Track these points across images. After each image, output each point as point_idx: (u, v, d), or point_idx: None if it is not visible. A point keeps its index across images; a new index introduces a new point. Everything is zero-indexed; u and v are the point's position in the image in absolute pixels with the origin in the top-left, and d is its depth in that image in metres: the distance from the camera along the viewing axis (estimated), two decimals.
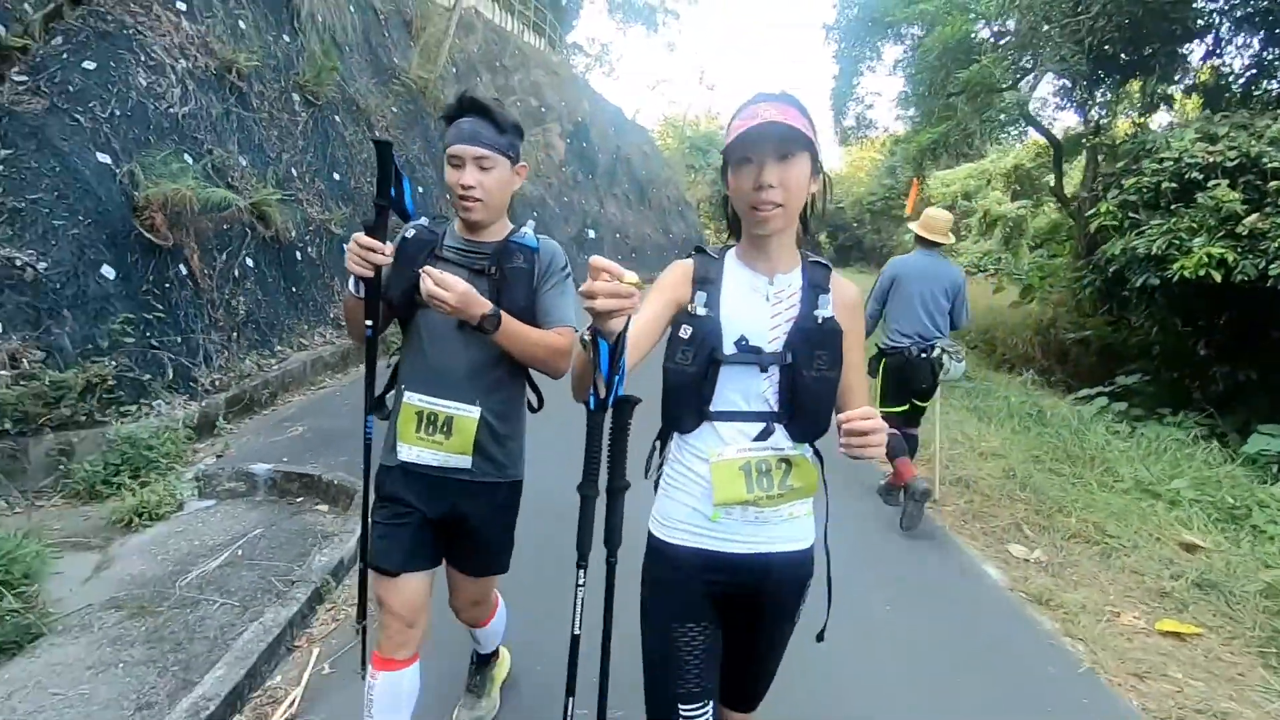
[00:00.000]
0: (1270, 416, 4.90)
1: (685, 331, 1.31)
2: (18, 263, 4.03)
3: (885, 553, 3.70)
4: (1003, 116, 10.29)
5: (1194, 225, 5.21)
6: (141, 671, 2.37)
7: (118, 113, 5.44)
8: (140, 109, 5.66)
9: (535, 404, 1.87)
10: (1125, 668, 2.77)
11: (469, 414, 1.69)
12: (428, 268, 1.55)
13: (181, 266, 5.31)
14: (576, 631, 1.32)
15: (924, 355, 4.02)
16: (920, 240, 4.23)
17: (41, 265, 4.19)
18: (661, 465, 1.46)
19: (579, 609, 1.32)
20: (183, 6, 6.82)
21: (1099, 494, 4.27)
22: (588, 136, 21.54)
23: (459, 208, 1.67)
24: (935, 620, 3.02)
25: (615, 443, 1.24)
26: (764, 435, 1.33)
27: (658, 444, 1.47)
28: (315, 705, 2.26)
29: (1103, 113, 9.56)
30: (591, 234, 19.58)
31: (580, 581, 1.32)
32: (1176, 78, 8.50)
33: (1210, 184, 5.28)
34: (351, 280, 1.70)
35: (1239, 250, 4.86)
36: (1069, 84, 9.26)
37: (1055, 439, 5.16)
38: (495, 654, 2.26)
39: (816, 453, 1.40)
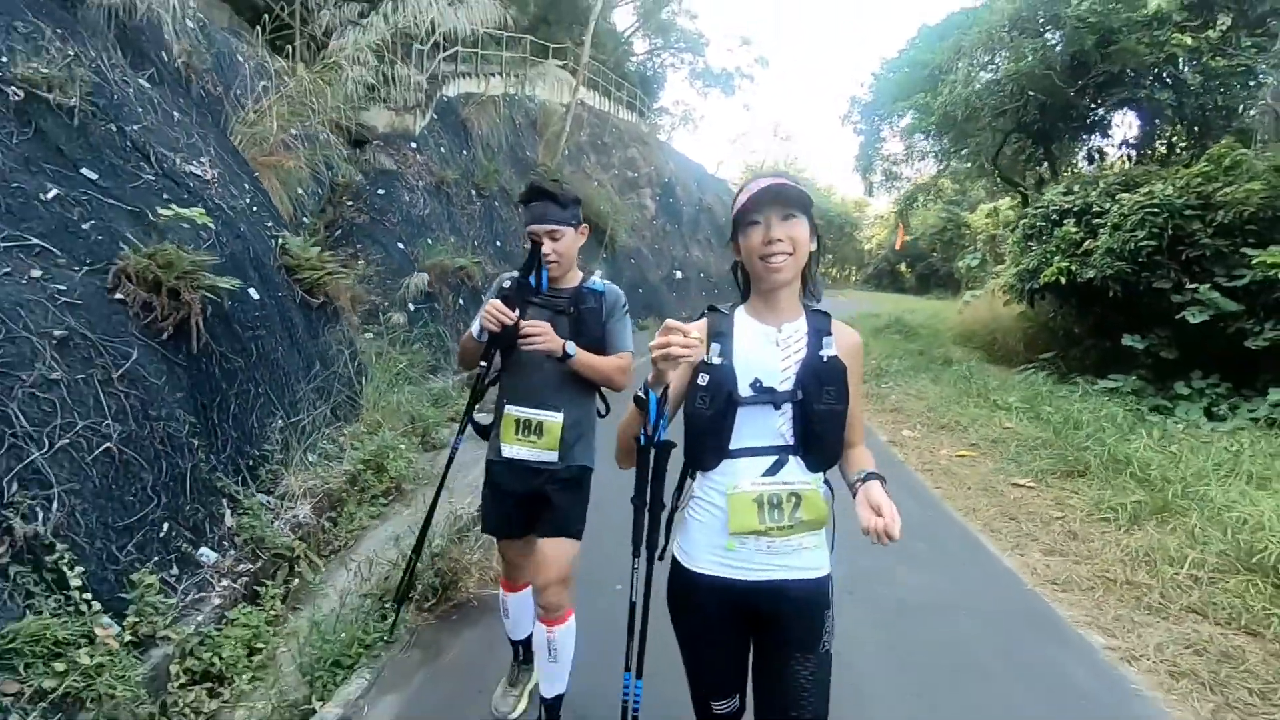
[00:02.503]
0: (1104, 370, 7.66)
1: (703, 379, 1.48)
2: (383, 306, 7.94)
3: None
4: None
5: (1052, 250, 8.03)
6: None
7: (398, 218, 9.49)
8: (407, 213, 9.72)
9: (603, 411, 2.33)
10: (944, 478, 5.61)
11: (554, 419, 2.19)
12: (524, 322, 2.10)
13: (437, 304, 9.22)
14: (634, 599, 1.60)
15: None
16: None
17: (387, 305, 8.11)
18: (685, 501, 1.63)
19: (636, 584, 1.58)
20: (414, 145, 11.00)
21: (970, 410, 7.19)
22: (674, 193, 25.35)
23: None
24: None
25: (657, 472, 1.51)
26: (776, 468, 1.49)
27: (681, 482, 1.64)
28: None
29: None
30: (679, 274, 23.14)
31: (635, 565, 1.59)
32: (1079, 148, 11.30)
33: (1065, 222, 8.10)
34: (477, 328, 2.22)
35: (1077, 264, 7.67)
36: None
37: (967, 387, 8.10)
38: (558, 707, 2.34)
39: (829, 484, 1.54)
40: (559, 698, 2.33)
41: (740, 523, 1.46)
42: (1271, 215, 6.57)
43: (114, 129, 4.43)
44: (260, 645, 2.87)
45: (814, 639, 1.51)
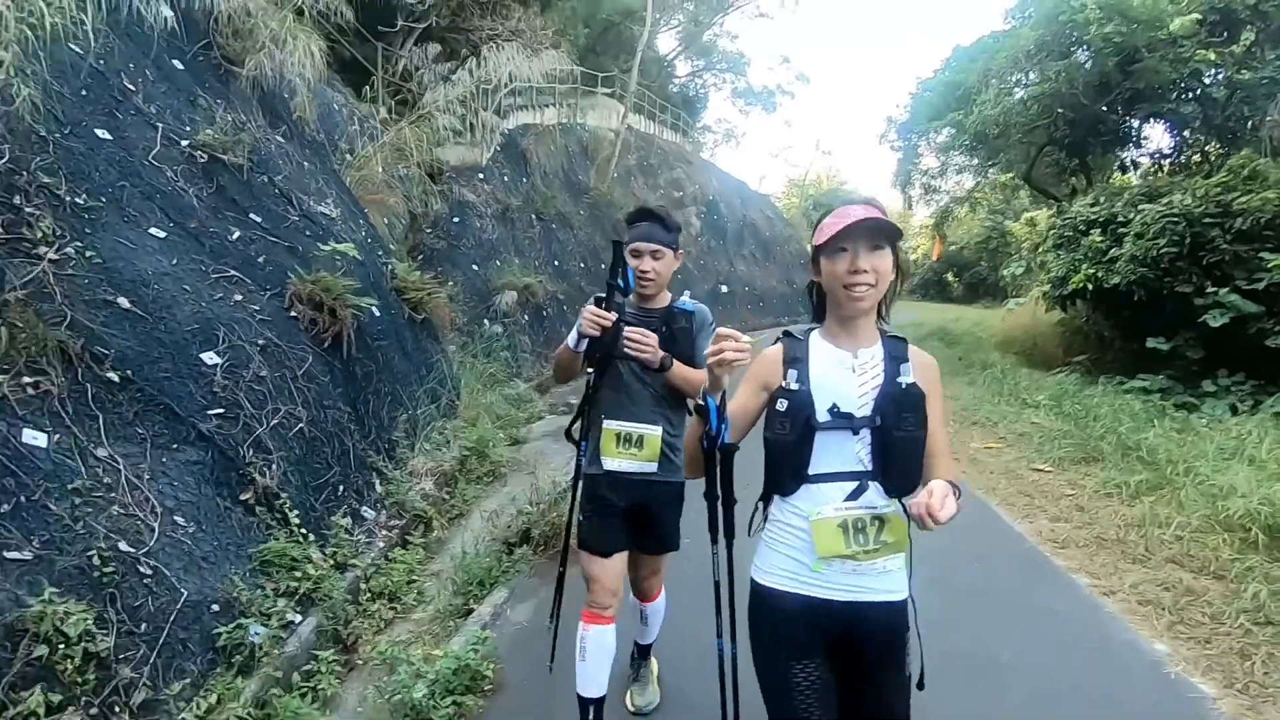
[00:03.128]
0: (1136, 371, 8.13)
1: (782, 405, 1.51)
2: (464, 322, 8.94)
3: None
4: None
5: (1080, 258, 8.52)
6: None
7: (472, 242, 10.55)
8: (478, 239, 10.77)
9: None
10: (976, 468, 6.22)
11: (654, 432, 2.29)
12: (629, 329, 2.18)
13: (508, 318, 10.20)
14: (717, 578, 1.73)
15: None
16: None
17: (467, 321, 9.12)
18: (764, 524, 1.64)
19: (719, 564, 1.72)
20: (481, 176, 12.10)
21: (1001, 408, 7.74)
22: (718, 210, 26.17)
23: (638, 285, 2.26)
24: None
25: (724, 473, 1.60)
26: (857, 493, 1.49)
27: (760, 505, 1.66)
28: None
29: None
30: (724, 288, 23.87)
31: (715, 551, 1.71)
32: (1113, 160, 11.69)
33: (1091, 231, 8.58)
34: (575, 337, 2.27)
35: (1104, 271, 8.15)
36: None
37: (999, 388, 8.64)
38: (650, 650, 2.73)
39: (906, 511, 1.53)
40: (649, 644, 2.74)
41: (827, 547, 1.48)
42: None
43: (266, 180, 5.49)
44: (414, 577, 3.76)
45: (898, 660, 1.54)
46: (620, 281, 2.22)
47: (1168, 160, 11.21)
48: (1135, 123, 10.77)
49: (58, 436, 2.86)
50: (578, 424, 2.43)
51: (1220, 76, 9.43)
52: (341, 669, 2.98)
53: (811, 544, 1.50)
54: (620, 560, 2.36)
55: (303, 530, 3.37)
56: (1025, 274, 15.13)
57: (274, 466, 3.54)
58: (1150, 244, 7.68)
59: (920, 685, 1.58)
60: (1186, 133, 10.59)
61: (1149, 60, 9.21)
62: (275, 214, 5.32)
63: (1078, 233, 8.74)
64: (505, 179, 12.93)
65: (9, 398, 2.81)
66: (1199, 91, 9.77)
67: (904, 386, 1.49)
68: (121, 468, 2.96)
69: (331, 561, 3.42)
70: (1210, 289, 7.44)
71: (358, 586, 3.46)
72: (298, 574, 3.13)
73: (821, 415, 1.49)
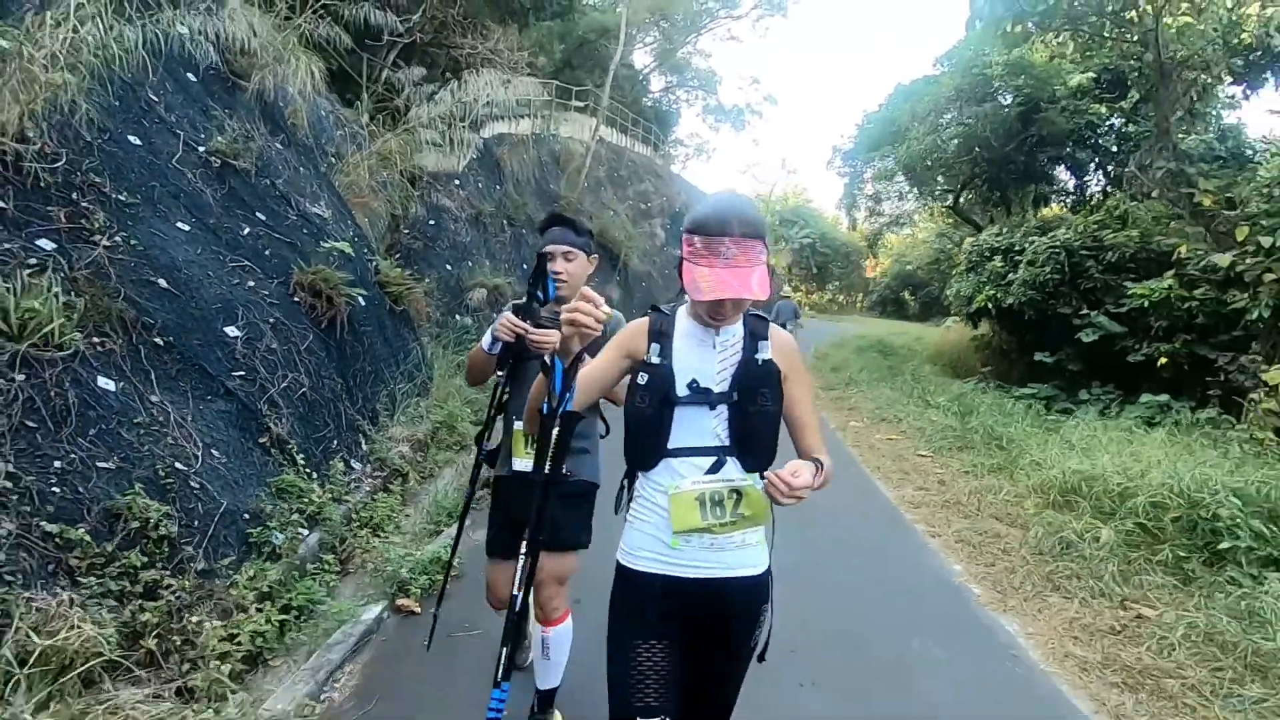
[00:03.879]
0: (1032, 380, 9.34)
1: (643, 378, 1.54)
2: (439, 316, 9.80)
3: None
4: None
5: (983, 280, 9.78)
6: None
7: (447, 244, 11.40)
8: (452, 241, 11.63)
9: (604, 431, 2.45)
10: (870, 452, 7.39)
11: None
12: (530, 329, 2.25)
13: (478, 313, 11.06)
14: (515, 592, 1.64)
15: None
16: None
17: (443, 315, 9.97)
18: (629, 502, 1.64)
19: (519, 575, 1.64)
20: (457, 182, 12.95)
21: (909, 408, 8.90)
22: (683, 221, 27.37)
23: (556, 285, 2.35)
24: None
25: (559, 443, 1.52)
26: (716, 468, 1.53)
27: (625, 483, 1.66)
28: None
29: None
30: (686, 297, 25.01)
31: (523, 551, 1.62)
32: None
33: (994, 257, 9.86)
34: (489, 340, 2.40)
35: (1001, 293, 9.42)
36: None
37: (912, 391, 9.87)
38: (553, 699, 2.54)
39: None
40: (552, 690, 2.51)
41: (683, 520, 1.50)
42: (1145, 256, 8.28)
43: (269, 183, 6.33)
44: (393, 514, 4.65)
45: (748, 636, 1.57)
46: (539, 292, 2.33)
47: (1070, 198, 12.66)
48: (1042, 163, 12.16)
49: (121, 384, 3.70)
50: (490, 429, 2.52)
51: (1111, 127, 10.82)
52: (338, 573, 3.88)
53: (670, 520, 1.52)
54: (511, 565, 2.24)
55: (307, 470, 4.25)
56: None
57: (284, 419, 4.41)
58: (1038, 270, 8.93)
59: (761, 658, 1.61)
60: (1085, 175, 12.05)
61: (1048, 112, 10.56)
62: (277, 213, 6.16)
63: (983, 258, 10.01)
64: (479, 186, 13.79)
65: (85, 352, 3.65)
66: (1093, 140, 11.18)
67: (760, 362, 1.55)
68: (170, 411, 3.81)
69: (329, 495, 4.30)
70: (1085, 311, 8.70)
71: (349, 516, 4.35)
72: (304, 500, 4.01)
73: (681, 390, 1.52)
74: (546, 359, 1.50)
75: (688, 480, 1.52)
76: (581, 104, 21.58)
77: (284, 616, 3.24)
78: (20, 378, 3.23)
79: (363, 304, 6.40)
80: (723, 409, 1.52)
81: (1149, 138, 9.47)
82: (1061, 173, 12.62)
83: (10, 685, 2.33)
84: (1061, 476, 4.94)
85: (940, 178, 13.30)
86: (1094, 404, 8.66)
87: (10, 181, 4.00)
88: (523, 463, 2.40)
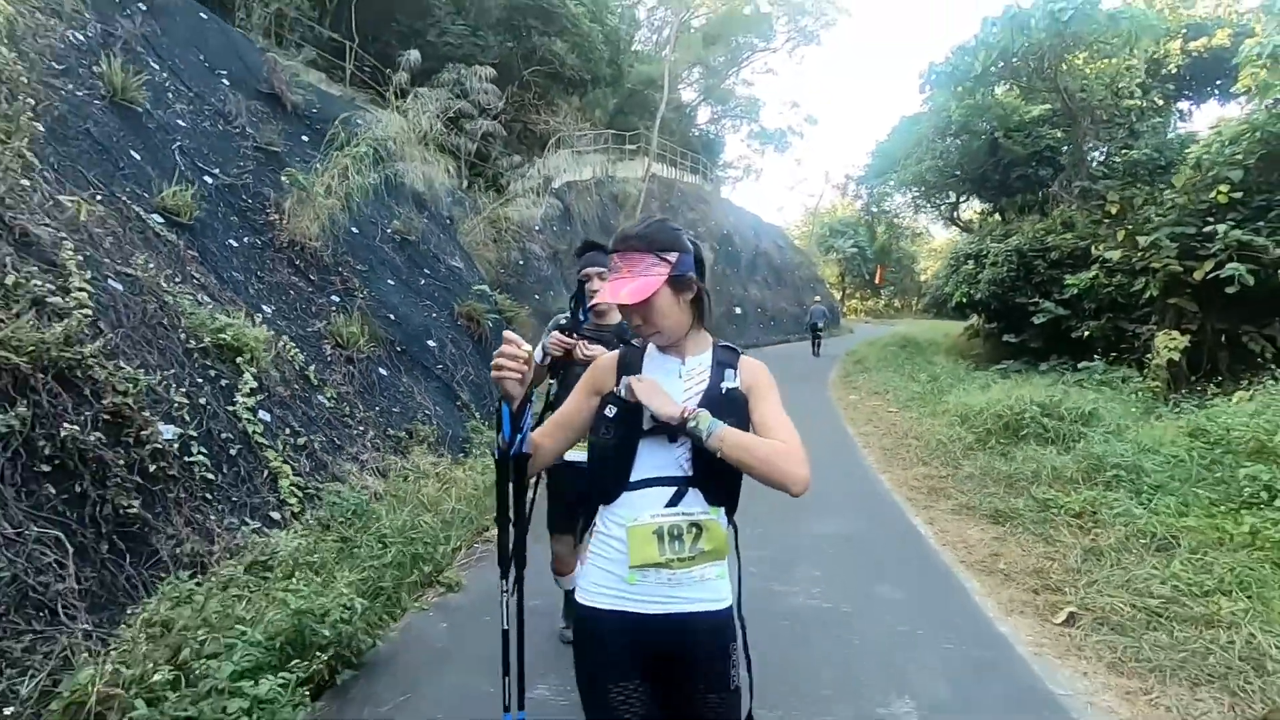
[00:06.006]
0: (1004, 359, 11.63)
1: (610, 411, 1.53)
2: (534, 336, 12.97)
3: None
4: None
5: (959, 280, 12.12)
6: None
7: (533, 279, 14.58)
8: (537, 276, 14.81)
9: None
10: (853, 411, 10.02)
11: None
12: (581, 343, 2.65)
13: None
14: (505, 627, 1.60)
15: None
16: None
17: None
18: (588, 538, 1.62)
19: (507, 611, 1.60)
20: (538, 228, 16.18)
21: (901, 383, 11.35)
22: (732, 242, 30.08)
23: (593, 303, 2.57)
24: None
25: (517, 486, 1.54)
26: (676, 499, 1.50)
27: (583, 519, 1.74)
28: None
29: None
30: (738, 310, 27.64)
31: (504, 589, 1.58)
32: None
33: (967, 260, 12.21)
34: (540, 354, 2.73)
35: (971, 288, 11.77)
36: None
37: (906, 372, 12.28)
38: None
39: (732, 523, 1.57)
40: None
41: (641, 555, 1.47)
42: (1080, 253, 10.57)
43: (427, 248, 9.57)
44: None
45: (722, 675, 1.51)
46: (582, 315, 2.81)
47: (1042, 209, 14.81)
48: (1012, 180, 14.28)
49: (389, 373, 6.83)
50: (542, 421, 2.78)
51: (1065, 150, 12.92)
52: None
53: (628, 555, 1.48)
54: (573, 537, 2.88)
55: (483, 423, 7.29)
56: None
57: (465, 392, 7.49)
58: (998, 270, 11.30)
59: (749, 718, 1.57)
60: (1049, 189, 14.17)
61: (1010, 141, 12.80)
62: (435, 268, 9.39)
63: (959, 261, 12.39)
64: (554, 229, 17.04)
65: (370, 355, 6.79)
66: (1053, 159, 13.27)
67: (724, 391, 1.53)
68: (414, 387, 6.92)
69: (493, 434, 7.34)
70: (1036, 300, 11.03)
71: None
72: (481, 434, 7.04)
73: (646, 422, 1.50)
74: (497, 404, 1.50)
75: (646, 513, 1.49)
76: (634, 146, 24.73)
77: None
78: (350, 368, 6.37)
79: (492, 324, 9.54)
80: (685, 439, 1.49)
81: (1070, 163, 11.66)
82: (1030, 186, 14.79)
83: None
84: (959, 407, 7.45)
85: (934, 196, 15.61)
86: (1051, 373, 10.94)
87: (311, 263, 7.23)
88: (574, 453, 2.51)
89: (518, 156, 12.61)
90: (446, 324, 8.22)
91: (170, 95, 7.18)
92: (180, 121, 6.98)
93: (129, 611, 2.85)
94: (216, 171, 6.88)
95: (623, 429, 1.52)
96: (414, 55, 9.65)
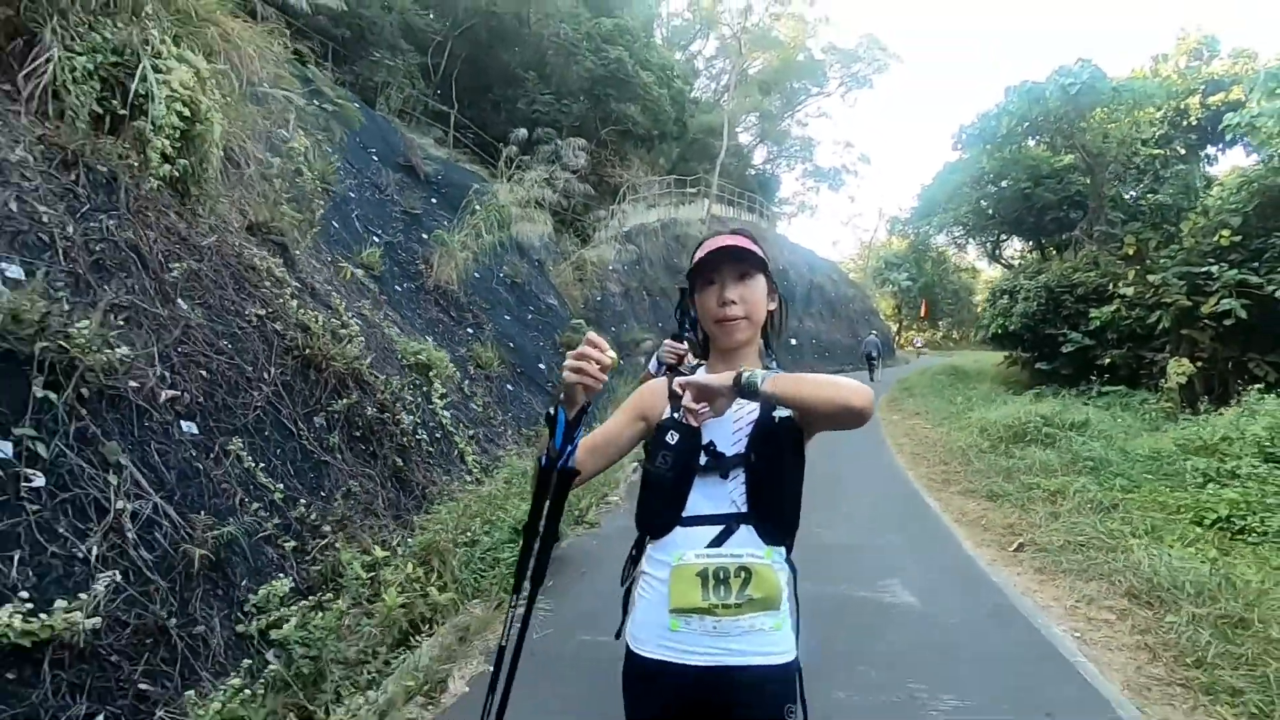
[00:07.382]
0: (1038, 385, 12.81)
1: (672, 437, 1.41)
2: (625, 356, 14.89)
3: None
4: None
5: (996, 314, 13.36)
6: None
7: (610, 313, 16.52)
8: (613, 310, 16.75)
9: None
10: (893, 428, 11.40)
11: None
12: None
13: (642, 357, 16.05)
14: (502, 643, 1.43)
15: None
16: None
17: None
18: (633, 574, 1.50)
19: (509, 625, 1.43)
20: (612, 268, 18.20)
21: (939, 405, 12.64)
22: (787, 277, 31.56)
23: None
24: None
25: (555, 503, 1.38)
26: (722, 539, 1.38)
27: (634, 553, 1.52)
28: None
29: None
30: (793, 341, 29.01)
31: (513, 603, 1.43)
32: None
33: (1002, 295, 13.46)
34: (655, 364, 2.75)
35: (1006, 321, 13.01)
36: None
37: (947, 395, 13.52)
38: None
39: (791, 565, 1.44)
40: None
41: (682, 598, 1.37)
42: (1101, 290, 11.78)
43: (529, 289, 11.60)
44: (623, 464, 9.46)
45: None
46: (688, 324, 2.80)
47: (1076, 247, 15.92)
48: (1046, 223, 15.42)
49: (514, 388, 8.75)
50: None
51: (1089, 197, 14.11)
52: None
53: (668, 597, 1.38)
54: None
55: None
56: None
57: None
58: (1030, 304, 12.58)
59: None
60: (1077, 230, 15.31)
61: (1041, 188, 14.05)
62: (537, 306, 11.40)
63: (996, 297, 13.66)
64: (625, 268, 19.04)
65: (500, 375, 8.72)
66: (1083, 203, 14.38)
67: (777, 420, 1.43)
68: (531, 399, 8.81)
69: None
70: (1065, 331, 12.25)
71: None
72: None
73: (700, 456, 1.41)
74: (550, 409, 1.37)
75: (692, 552, 1.39)
76: (694, 190, 26.69)
77: None
78: (489, 384, 8.30)
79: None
80: (739, 472, 1.41)
81: (1091, 209, 12.83)
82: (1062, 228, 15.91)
83: None
84: (979, 421, 8.82)
85: (975, 236, 16.84)
86: (1079, 397, 12.10)
87: (451, 303, 9.25)
88: None
89: (602, 211, 14.64)
90: (550, 351, 10.14)
91: (341, 172, 9.43)
92: (351, 194, 9.20)
93: (414, 518, 4.72)
94: (379, 233, 9.03)
95: (680, 461, 1.41)
96: (521, 133, 11.79)
